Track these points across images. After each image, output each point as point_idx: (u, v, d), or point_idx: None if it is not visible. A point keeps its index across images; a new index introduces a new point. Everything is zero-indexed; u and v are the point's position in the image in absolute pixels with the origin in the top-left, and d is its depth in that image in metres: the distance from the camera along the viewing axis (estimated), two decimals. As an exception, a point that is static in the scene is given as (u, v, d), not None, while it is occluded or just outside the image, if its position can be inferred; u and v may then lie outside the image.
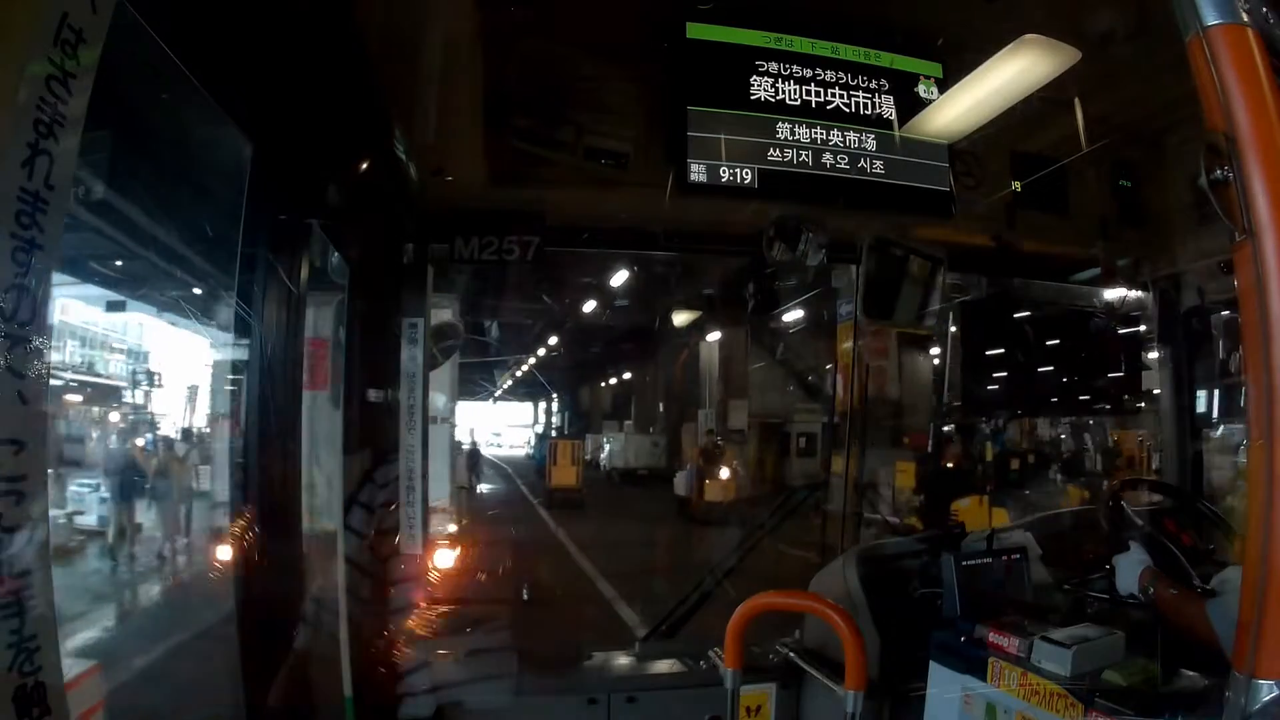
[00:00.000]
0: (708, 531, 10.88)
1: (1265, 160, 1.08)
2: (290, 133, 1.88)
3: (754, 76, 2.44)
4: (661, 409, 18.48)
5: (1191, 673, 1.67)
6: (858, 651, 1.86)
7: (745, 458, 13.67)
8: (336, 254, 2.38)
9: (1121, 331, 3.60)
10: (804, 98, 2.48)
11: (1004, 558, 2.28)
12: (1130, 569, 2.18)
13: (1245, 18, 1.12)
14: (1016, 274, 3.54)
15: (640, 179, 2.75)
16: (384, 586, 2.35)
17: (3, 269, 0.80)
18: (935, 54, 2.60)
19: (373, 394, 2.44)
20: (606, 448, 18.06)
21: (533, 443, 21.75)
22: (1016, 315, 4.07)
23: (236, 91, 1.70)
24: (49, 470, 0.90)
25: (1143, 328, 3.56)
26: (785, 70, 2.46)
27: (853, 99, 2.52)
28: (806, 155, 2.47)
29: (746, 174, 2.42)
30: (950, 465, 8.89)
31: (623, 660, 2.64)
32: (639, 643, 2.74)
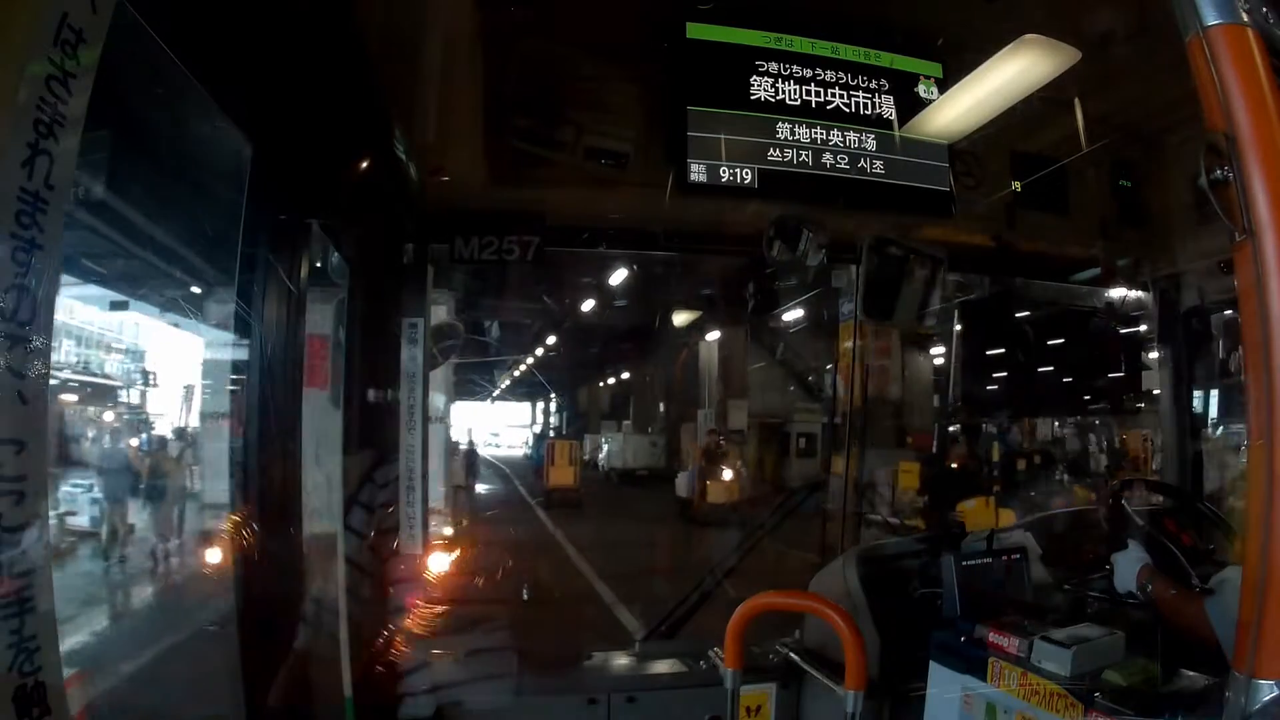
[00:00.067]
0: (710, 534, 10.82)
1: (1265, 160, 1.08)
2: (290, 133, 1.88)
3: (754, 76, 2.44)
4: (661, 409, 18.47)
5: (1191, 673, 1.67)
6: (858, 651, 1.86)
7: (745, 458, 13.65)
8: (336, 254, 2.38)
9: (1122, 331, 3.60)
10: (804, 98, 2.48)
11: (1004, 558, 2.28)
12: (1129, 567, 2.19)
13: (1245, 18, 1.13)
14: (1016, 274, 3.54)
15: (640, 179, 2.76)
16: (384, 586, 2.35)
17: (3, 269, 0.80)
18: (935, 54, 2.60)
19: (373, 394, 2.44)
20: (605, 448, 18.04)
21: (530, 443, 21.73)
22: (1017, 315, 4.07)
23: (236, 91, 1.69)
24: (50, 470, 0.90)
25: (1143, 328, 3.57)
26: (785, 70, 2.46)
27: (853, 99, 2.52)
28: (806, 155, 2.47)
29: (746, 174, 2.42)
30: (955, 466, 8.86)
31: (622, 660, 2.64)
32: (639, 643, 2.74)
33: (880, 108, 2.54)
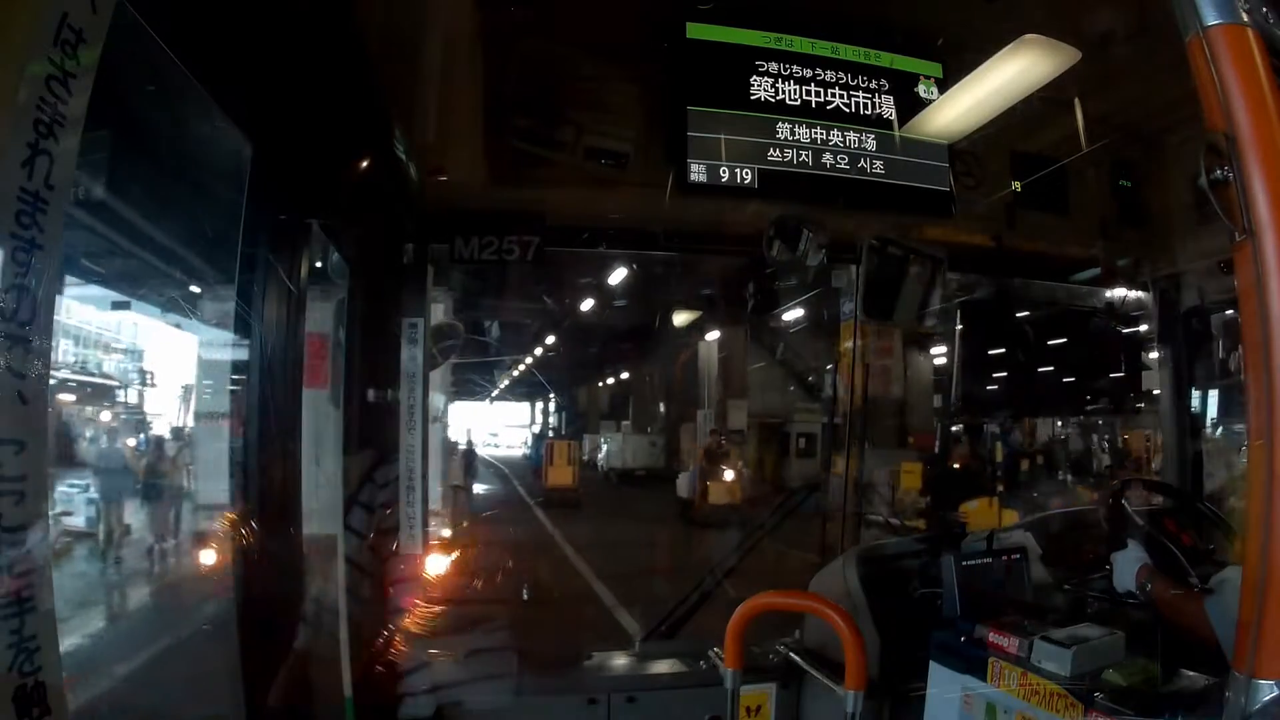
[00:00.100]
0: (711, 535, 10.78)
1: (1265, 160, 1.08)
2: (290, 133, 1.88)
3: (754, 76, 2.44)
4: (660, 409, 18.46)
5: (1191, 673, 1.67)
6: (858, 651, 1.86)
7: (745, 458, 13.64)
8: (336, 254, 2.38)
9: (1122, 331, 3.61)
10: (804, 98, 2.48)
11: (1004, 558, 2.28)
12: (1128, 566, 2.19)
13: (1245, 18, 1.13)
14: (1016, 274, 3.54)
15: (640, 179, 2.75)
16: (384, 586, 2.35)
17: (3, 269, 0.80)
18: (935, 54, 2.60)
19: (372, 394, 2.44)
20: (604, 448, 18.03)
21: (529, 443, 21.71)
22: (1018, 315, 4.07)
23: (236, 92, 1.70)
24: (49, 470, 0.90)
25: (1143, 328, 3.57)
26: (785, 70, 2.46)
27: (853, 99, 2.52)
28: (806, 155, 2.47)
29: (746, 174, 2.42)
30: (958, 466, 8.84)
31: (622, 660, 2.64)
32: (639, 643, 2.74)
33: (880, 108, 2.54)
